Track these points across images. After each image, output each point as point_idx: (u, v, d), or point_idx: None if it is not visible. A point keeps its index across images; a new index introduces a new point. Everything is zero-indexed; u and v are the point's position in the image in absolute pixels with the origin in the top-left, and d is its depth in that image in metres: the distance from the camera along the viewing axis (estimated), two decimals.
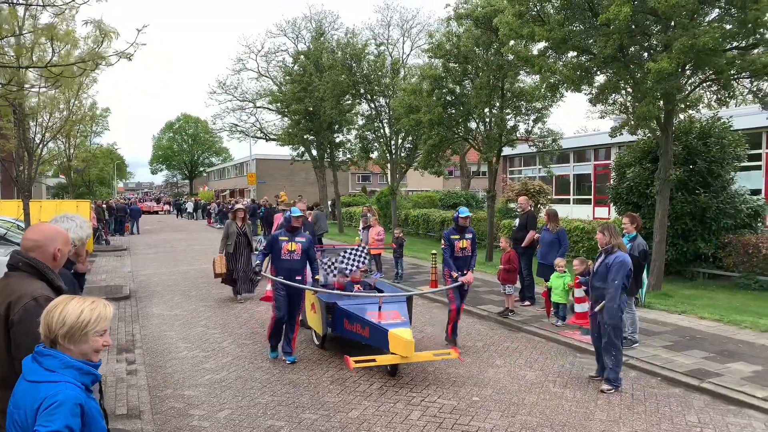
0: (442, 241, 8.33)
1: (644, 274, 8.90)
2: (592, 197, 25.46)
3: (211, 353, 8.08)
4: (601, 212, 23.66)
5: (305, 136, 27.63)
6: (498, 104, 15.87)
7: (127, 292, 12.48)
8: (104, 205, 29.22)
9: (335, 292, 7.94)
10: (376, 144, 23.35)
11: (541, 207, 20.09)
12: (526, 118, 16.33)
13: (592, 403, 6.11)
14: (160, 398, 6.33)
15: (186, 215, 48.57)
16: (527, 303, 10.72)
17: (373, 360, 6.43)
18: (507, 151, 23.40)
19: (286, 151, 31.58)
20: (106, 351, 8.06)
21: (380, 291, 8.45)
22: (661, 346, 7.90)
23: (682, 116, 13.21)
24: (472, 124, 17.23)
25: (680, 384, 6.56)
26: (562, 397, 6.29)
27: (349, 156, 27.88)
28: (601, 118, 13.56)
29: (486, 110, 16.15)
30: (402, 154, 22.56)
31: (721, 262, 13.19)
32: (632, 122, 10.89)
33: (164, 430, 5.49)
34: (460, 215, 8.24)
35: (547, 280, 9.66)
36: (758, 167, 18.52)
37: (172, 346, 8.46)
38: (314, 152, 28.66)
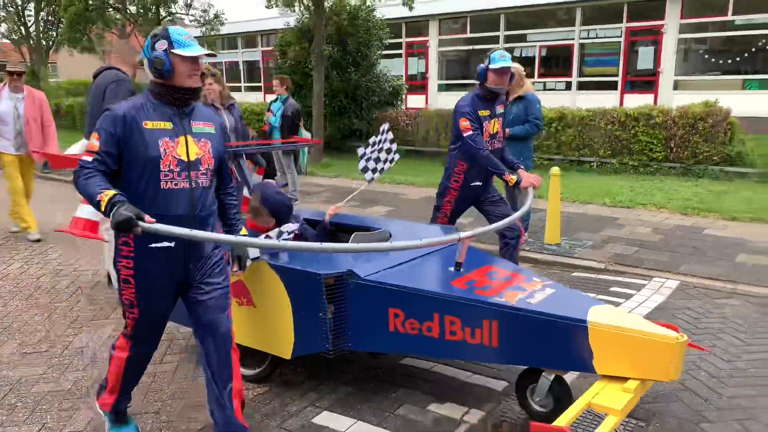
0: (462, 123, 4.22)
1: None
2: (262, 84, 25.80)
3: None
4: (271, 98, 24.31)
5: None
6: None
7: None
8: None
9: (338, 246, 2.97)
10: (2, 14, 19.13)
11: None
12: None
13: None
14: None
15: None
16: None
17: (605, 414, 2.58)
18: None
19: None
20: None
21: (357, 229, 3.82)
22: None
23: None
24: None
25: None
26: None
27: None
28: None
29: None
30: (41, 29, 19.05)
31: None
32: None
33: None
34: (492, 66, 4.10)
35: None
36: (399, 55, 21.17)
37: None
38: None
